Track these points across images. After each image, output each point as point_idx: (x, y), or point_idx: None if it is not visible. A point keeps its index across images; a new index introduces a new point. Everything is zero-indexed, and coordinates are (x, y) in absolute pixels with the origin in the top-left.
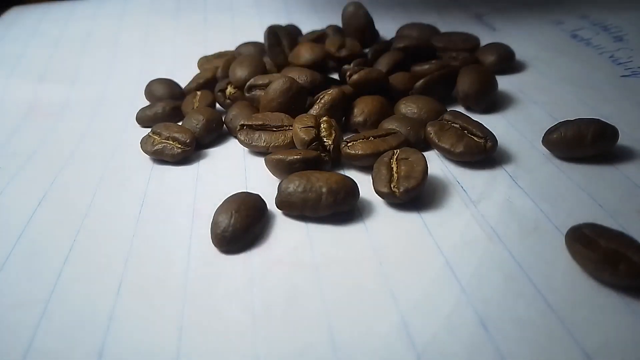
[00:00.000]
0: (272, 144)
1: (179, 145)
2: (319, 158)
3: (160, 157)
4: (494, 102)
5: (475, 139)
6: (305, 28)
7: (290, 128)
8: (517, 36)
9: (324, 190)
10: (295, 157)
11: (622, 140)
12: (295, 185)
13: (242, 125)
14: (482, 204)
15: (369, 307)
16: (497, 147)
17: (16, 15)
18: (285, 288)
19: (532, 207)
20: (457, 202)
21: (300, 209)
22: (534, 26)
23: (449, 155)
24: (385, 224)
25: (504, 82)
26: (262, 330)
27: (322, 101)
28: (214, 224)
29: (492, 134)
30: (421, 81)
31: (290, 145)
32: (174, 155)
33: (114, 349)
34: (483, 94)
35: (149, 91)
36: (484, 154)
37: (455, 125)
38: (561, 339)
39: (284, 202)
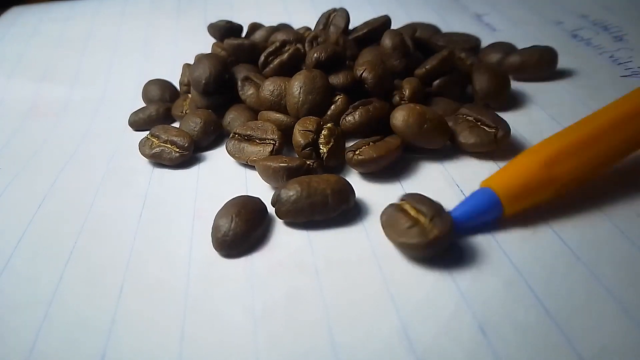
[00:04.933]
0: (250, 157)
1: (177, 150)
2: (306, 166)
3: (159, 161)
4: (510, 100)
5: (487, 129)
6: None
7: (273, 142)
8: (517, 36)
9: (328, 192)
10: (281, 164)
11: None
12: (297, 192)
13: (234, 134)
14: None
15: (369, 310)
16: (509, 136)
17: (16, 15)
18: (285, 291)
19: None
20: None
21: (308, 214)
22: (534, 26)
23: (460, 147)
24: None
25: None
26: (263, 333)
27: (333, 107)
28: (215, 228)
29: (506, 122)
30: (436, 82)
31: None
32: (172, 160)
33: (116, 351)
34: (501, 89)
35: (145, 92)
36: (494, 144)
37: (470, 117)
38: (559, 345)
39: (290, 211)
